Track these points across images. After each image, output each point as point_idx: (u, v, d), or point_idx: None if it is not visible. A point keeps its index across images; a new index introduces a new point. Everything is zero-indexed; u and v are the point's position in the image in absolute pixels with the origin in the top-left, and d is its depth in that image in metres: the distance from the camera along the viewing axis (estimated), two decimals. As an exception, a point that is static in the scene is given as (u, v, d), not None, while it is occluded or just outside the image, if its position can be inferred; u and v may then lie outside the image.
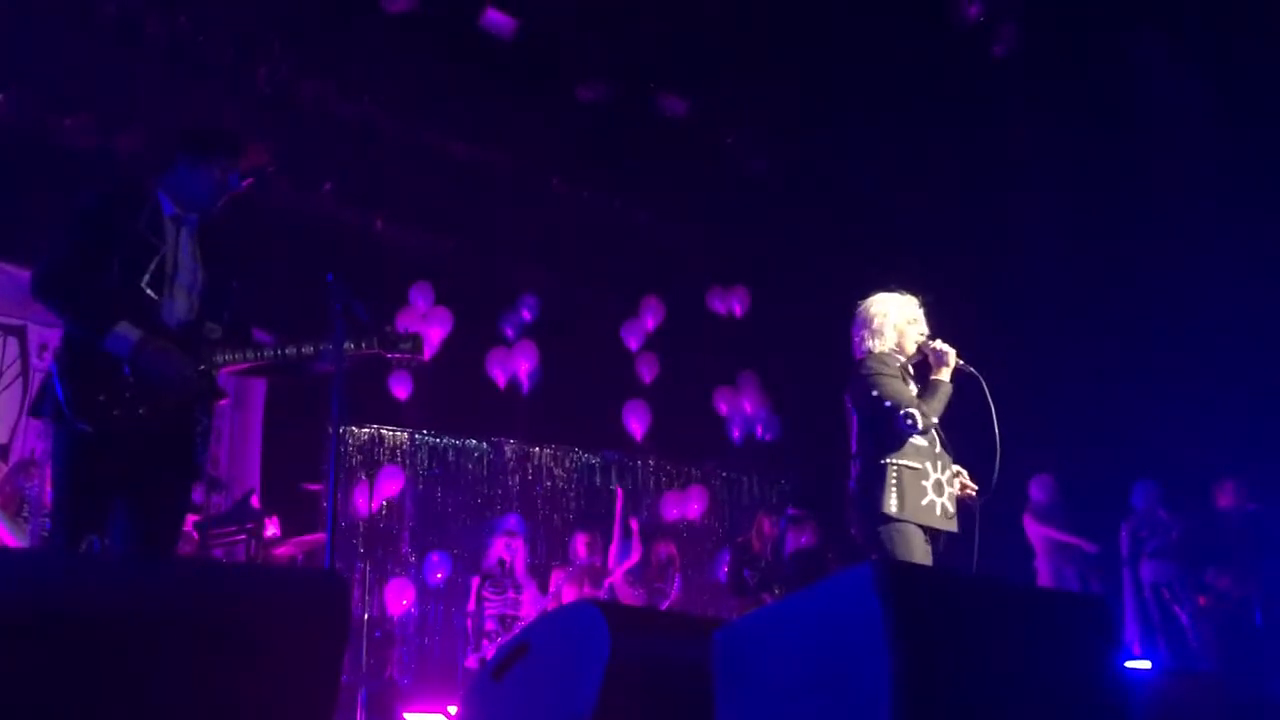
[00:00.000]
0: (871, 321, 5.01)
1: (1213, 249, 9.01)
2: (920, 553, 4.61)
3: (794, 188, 10.76)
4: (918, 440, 4.73)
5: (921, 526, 4.66)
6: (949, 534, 4.78)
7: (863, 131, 9.79)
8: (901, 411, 4.67)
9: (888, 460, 4.69)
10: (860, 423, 4.86)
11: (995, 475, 4.77)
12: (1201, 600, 8.56)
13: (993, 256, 10.06)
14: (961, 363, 4.87)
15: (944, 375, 4.83)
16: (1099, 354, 9.59)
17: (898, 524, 4.61)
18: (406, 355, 4.20)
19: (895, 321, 4.99)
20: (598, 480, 11.64)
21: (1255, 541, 8.53)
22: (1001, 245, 10.05)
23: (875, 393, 4.75)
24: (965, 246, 10.00)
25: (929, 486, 4.71)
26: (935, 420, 4.74)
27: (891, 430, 4.71)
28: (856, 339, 5.05)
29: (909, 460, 4.70)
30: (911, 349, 4.96)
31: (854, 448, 4.91)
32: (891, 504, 4.62)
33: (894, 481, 4.66)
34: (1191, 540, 8.80)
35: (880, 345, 4.95)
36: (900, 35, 8.94)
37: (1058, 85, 9.39)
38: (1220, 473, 8.88)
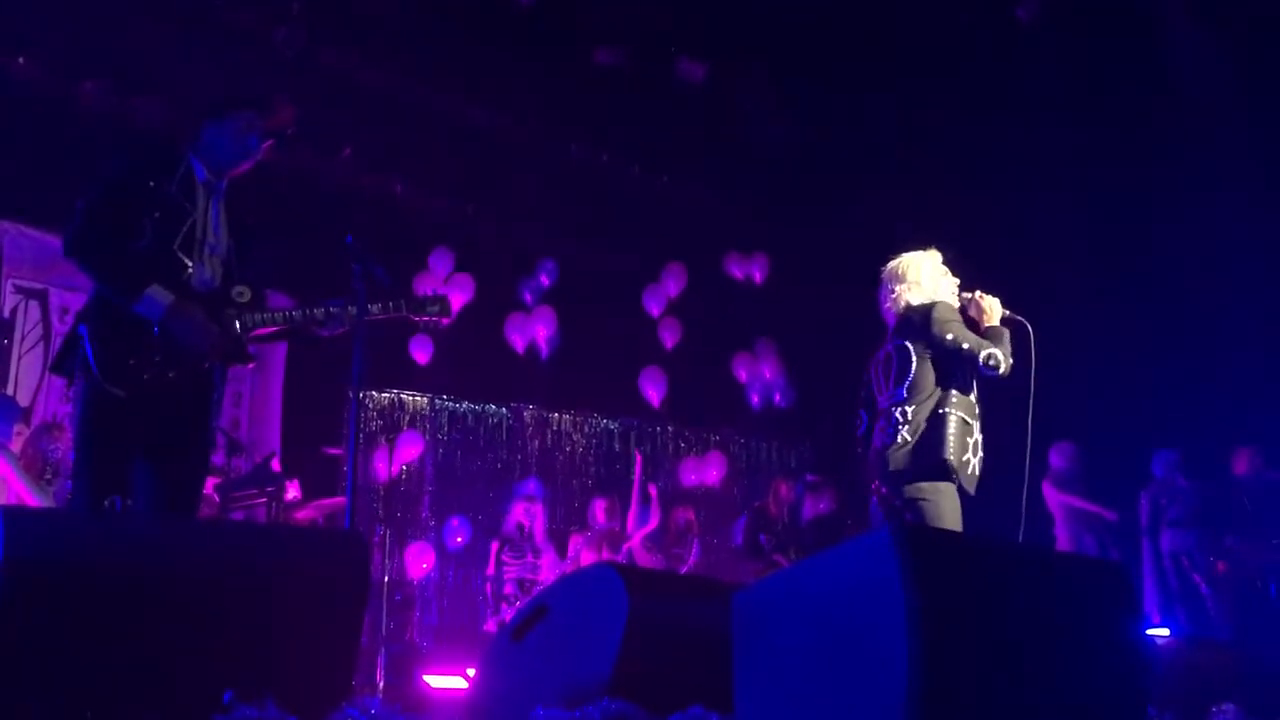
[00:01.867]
0: (906, 274, 4.94)
1: (1233, 217, 8.94)
2: (958, 519, 4.59)
3: (813, 153, 10.70)
4: (972, 397, 4.71)
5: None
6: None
7: (884, 98, 9.73)
8: (983, 354, 4.61)
9: (947, 409, 4.66)
10: (919, 371, 4.75)
11: (1029, 431, 4.75)
12: (1221, 566, 8.54)
13: (1013, 224, 10.00)
14: (1008, 312, 4.81)
15: (997, 321, 4.77)
16: (1120, 322, 9.54)
17: (943, 484, 4.58)
18: (434, 318, 4.22)
19: (930, 273, 4.93)
20: (617, 446, 11.65)
21: (1273, 510, 8.50)
22: (1022, 213, 9.98)
23: (951, 337, 4.68)
24: (986, 215, 9.93)
25: (971, 445, 4.68)
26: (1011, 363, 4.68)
27: (963, 378, 4.68)
28: (891, 294, 4.97)
29: (965, 414, 4.68)
30: (948, 299, 4.89)
31: (884, 403, 4.85)
32: (950, 450, 4.58)
33: (953, 431, 4.62)
34: (1211, 509, 8.77)
35: (921, 297, 4.87)
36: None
37: (1081, 52, 9.30)
38: (1241, 441, 8.84)
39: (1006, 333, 4.75)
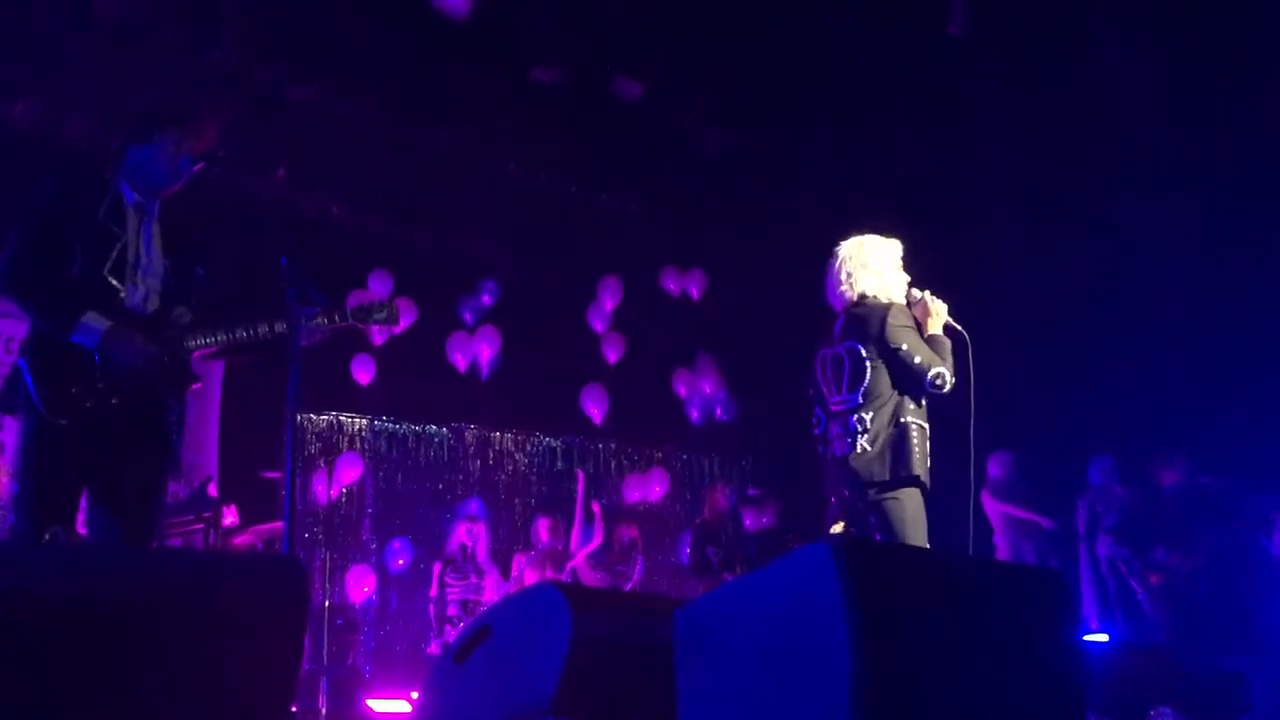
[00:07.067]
0: (870, 262, 4.84)
1: (1165, 225, 9.09)
2: (923, 520, 4.59)
3: (751, 168, 10.76)
4: (924, 401, 4.67)
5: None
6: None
7: (820, 114, 9.82)
8: (931, 373, 4.56)
9: (907, 420, 4.61)
10: (874, 377, 4.67)
11: (972, 437, 4.75)
12: (1154, 579, 8.64)
13: (949, 236, 10.10)
14: (951, 320, 4.77)
15: (939, 329, 4.71)
16: (1055, 329, 9.67)
17: (910, 489, 4.56)
18: (382, 325, 4.21)
19: (890, 262, 4.86)
20: (559, 464, 11.62)
21: (1205, 515, 8.61)
22: (958, 225, 10.08)
23: (905, 348, 4.61)
24: (923, 226, 9.99)
25: (927, 451, 4.65)
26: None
27: (916, 387, 4.62)
28: (846, 278, 4.87)
29: (921, 420, 4.64)
30: (899, 297, 4.83)
31: (837, 405, 4.76)
32: (916, 462, 4.54)
33: (916, 441, 4.57)
34: (1146, 515, 8.88)
35: (877, 288, 4.79)
36: (857, 14, 8.96)
37: (1013, 64, 9.44)
38: (1177, 448, 8.96)
39: (949, 344, 4.69)
